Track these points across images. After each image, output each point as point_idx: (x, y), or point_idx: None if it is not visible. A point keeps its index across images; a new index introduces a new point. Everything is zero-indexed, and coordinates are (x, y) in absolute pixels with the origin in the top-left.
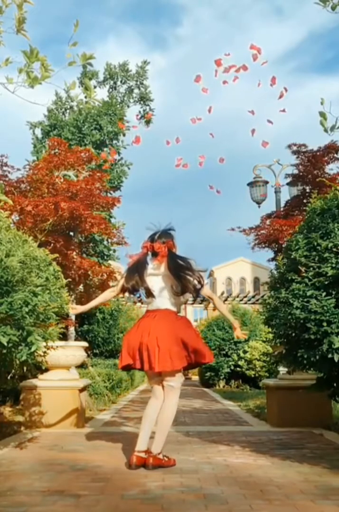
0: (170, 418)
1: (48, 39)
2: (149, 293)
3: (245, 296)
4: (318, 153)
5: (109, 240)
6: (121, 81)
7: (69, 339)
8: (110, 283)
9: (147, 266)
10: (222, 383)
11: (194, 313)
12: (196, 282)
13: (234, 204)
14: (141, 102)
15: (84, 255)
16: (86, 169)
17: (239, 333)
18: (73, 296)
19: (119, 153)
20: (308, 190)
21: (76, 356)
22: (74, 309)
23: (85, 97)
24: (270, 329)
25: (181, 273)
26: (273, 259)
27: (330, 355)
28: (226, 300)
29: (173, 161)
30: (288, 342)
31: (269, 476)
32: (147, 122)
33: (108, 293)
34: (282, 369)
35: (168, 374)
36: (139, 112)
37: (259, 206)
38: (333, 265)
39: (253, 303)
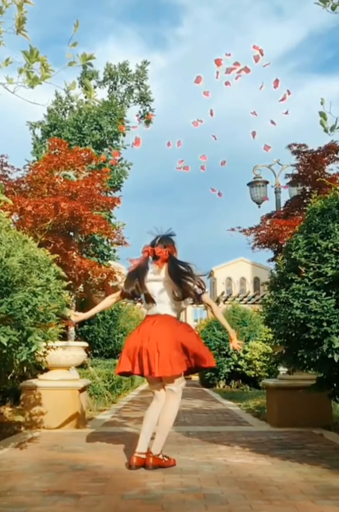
0: (171, 420)
1: (48, 39)
2: (149, 299)
3: (245, 296)
4: (318, 153)
5: (109, 240)
6: (121, 81)
7: (69, 339)
8: (110, 283)
9: (147, 271)
10: (222, 383)
11: (194, 313)
12: (196, 287)
13: (234, 204)
14: (141, 102)
15: (84, 255)
16: (86, 169)
17: (235, 344)
18: (73, 296)
19: (119, 153)
20: (308, 190)
21: (76, 356)
22: (77, 317)
23: (85, 97)
24: (270, 329)
25: (181, 278)
26: (273, 259)
27: (330, 355)
28: (226, 300)
29: (173, 161)
30: (288, 342)
31: (269, 476)
32: (148, 122)
33: (109, 300)
34: (282, 369)
35: (168, 379)
36: (139, 112)
37: (259, 206)
38: (333, 265)
39: (253, 303)
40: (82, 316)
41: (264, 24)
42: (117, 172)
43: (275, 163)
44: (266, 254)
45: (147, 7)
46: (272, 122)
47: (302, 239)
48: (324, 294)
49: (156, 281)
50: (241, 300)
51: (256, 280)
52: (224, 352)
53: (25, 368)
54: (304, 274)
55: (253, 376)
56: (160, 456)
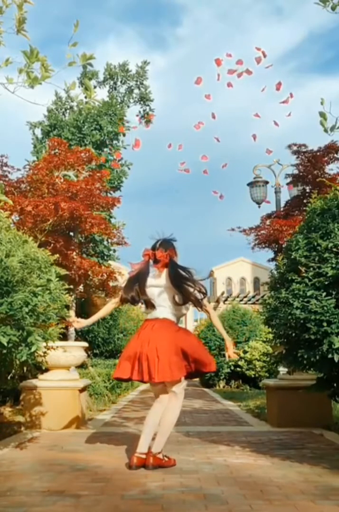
0: (172, 421)
1: (48, 39)
2: (149, 304)
3: (245, 296)
4: (318, 153)
5: (109, 240)
6: (121, 81)
7: (69, 339)
8: (110, 283)
9: (148, 276)
10: (222, 383)
11: (194, 313)
12: (197, 292)
13: (234, 204)
14: (141, 102)
15: (84, 255)
16: (86, 169)
17: (231, 353)
18: (73, 296)
19: (120, 155)
20: (308, 190)
21: (76, 356)
22: (79, 323)
23: (85, 97)
24: (270, 329)
25: (181, 283)
26: (273, 259)
27: (330, 355)
28: (226, 300)
29: (174, 161)
30: (288, 342)
31: (269, 476)
32: (148, 122)
33: (110, 305)
34: (282, 369)
35: (169, 383)
36: (139, 112)
37: (259, 206)
38: (333, 265)
39: (253, 303)
40: (84, 322)
41: (264, 24)
42: (117, 172)
43: (275, 163)
44: (266, 254)
45: (147, 7)
46: (276, 123)
47: (302, 239)
48: (324, 294)
49: (157, 286)
50: (241, 300)
51: (256, 280)
52: (224, 352)
53: (25, 368)
54: (304, 274)
55: (253, 376)
56: (161, 456)
